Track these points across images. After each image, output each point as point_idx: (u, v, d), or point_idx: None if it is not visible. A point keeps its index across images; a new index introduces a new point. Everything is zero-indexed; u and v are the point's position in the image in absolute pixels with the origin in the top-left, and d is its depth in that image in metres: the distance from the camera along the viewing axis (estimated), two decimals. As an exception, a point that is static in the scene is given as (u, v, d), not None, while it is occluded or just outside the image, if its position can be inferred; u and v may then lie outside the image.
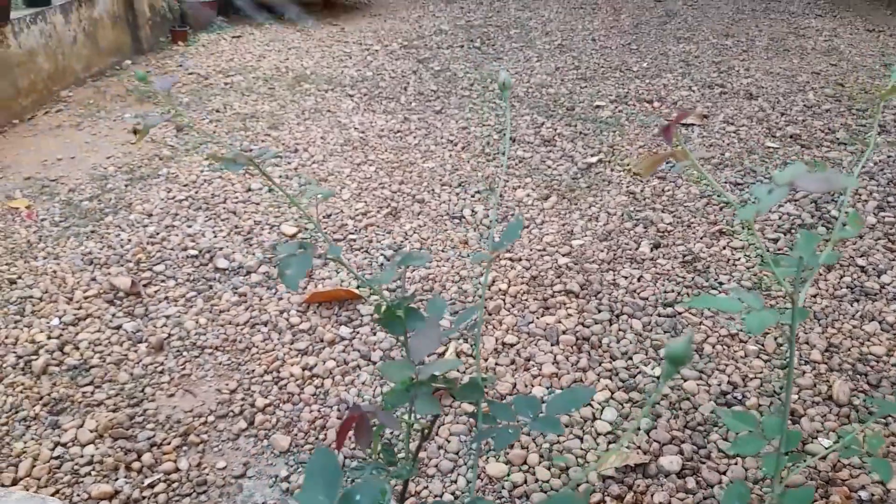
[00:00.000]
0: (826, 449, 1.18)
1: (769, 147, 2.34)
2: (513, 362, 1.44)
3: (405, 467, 0.59)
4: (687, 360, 0.39)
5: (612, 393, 1.35)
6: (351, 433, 0.53)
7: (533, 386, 1.38)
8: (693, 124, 2.55)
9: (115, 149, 2.42)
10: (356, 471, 0.60)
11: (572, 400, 0.50)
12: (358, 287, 1.66)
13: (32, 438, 1.24)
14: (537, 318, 1.57)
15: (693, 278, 1.67)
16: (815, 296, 1.59)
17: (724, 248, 1.79)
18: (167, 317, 1.56)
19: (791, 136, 2.41)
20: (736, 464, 1.18)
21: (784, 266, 0.53)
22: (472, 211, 2.01)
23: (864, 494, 1.12)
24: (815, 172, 0.40)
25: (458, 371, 1.42)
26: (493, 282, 1.69)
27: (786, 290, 0.46)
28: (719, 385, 1.35)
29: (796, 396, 1.32)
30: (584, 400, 0.49)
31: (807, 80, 2.95)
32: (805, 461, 1.04)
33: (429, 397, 0.51)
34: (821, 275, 1.66)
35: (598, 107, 2.76)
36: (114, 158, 2.35)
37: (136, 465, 1.20)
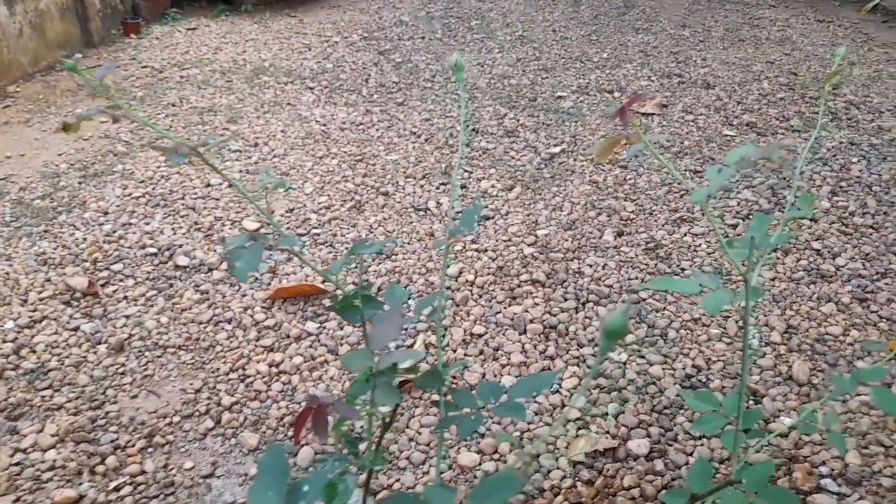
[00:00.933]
0: (788, 427, 1.22)
1: (726, 135, 2.39)
2: (481, 352, 1.44)
3: (368, 458, 0.59)
4: (623, 334, 0.39)
5: (580, 380, 1.36)
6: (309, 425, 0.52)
7: (502, 375, 1.39)
8: (653, 114, 2.59)
9: (66, 145, 2.35)
10: (319, 464, 0.59)
11: (535, 385, 0.50)
12: (323, 282, 1.65)
13: (-12, 446, 1.20)
14: (505, 307, 1.58)
15: (656, 265, 1.70)
16: (773, 279, 1.63)
17: (686, 234, 1.82)
18: (127, 317, 1.52)
19: (747, 124, 2.46)
20: (702, 445, 1.21)
21: (738, 248, 0.54)
22: (437, 203, 2.01)
23: (824, 469, 1.16)
24: (759, 148, 0.41)
25: (426, 362, 1.42)
26: (460, 273, 1.69)
27: (740, 270, 0.47)
28: (684, 369, 1.37)
29: (757, 377, 1.35)
30: (546, 385, 0.50)
31: (761, 69, 3.02)
32: (766, 438, 1.07)
33: (389, 387, 0.50)
34: (779, 258, 1.70)
35: (559, 97, 2.78)
36: (66, 155, 2.27)
37: (100, 468, 1.16)
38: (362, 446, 0.68)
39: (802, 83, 2.84)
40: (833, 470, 1.16)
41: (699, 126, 2.46)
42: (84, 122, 2.27)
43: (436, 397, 1.35)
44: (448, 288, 1.65)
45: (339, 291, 0.57)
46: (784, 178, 2.09)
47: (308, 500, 0.40)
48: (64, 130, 0.60)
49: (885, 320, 1.49)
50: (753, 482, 0.46)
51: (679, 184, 2.06)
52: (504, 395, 0.52)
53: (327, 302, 1.58)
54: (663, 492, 1.13)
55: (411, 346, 1.48)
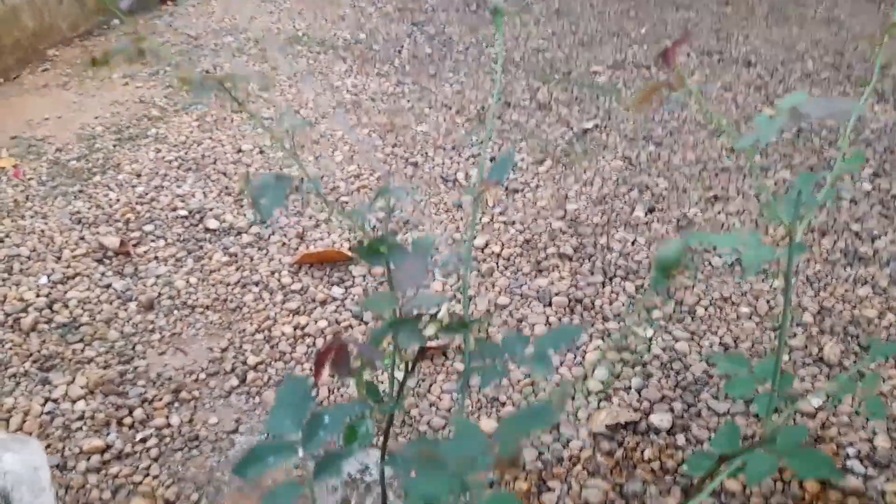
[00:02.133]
0: (816, 408, 1.19)
1: (767, 114, 2.32)
2: (505, 323, 1.43)
3: (389, 403, 0.59)
4: (678, 267, 0.37)
5: (604, 353, 1.35)
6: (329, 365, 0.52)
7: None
8: (690, 91, 2.53)
9: (102, 109, 2.38)
10: (340, 409, 0.60)
11: (563, 337, 0.49)
12: (350, 249, 1.65)
13: (22, 394, 1.24)
14: (530, 280, 1.56)
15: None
16: (808, 260, 1.59)
17: (719, 213, 1.78)
18: (157, 276, 1.55)
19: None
20: (725, 422, 1.19)
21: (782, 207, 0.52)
22: (467, 174, 1.99)
23: (851, 451, 1.14)
24: (818, 100, 0.39)
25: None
26: (487, 244, 1.68)
27: (785, 224, 0.45)
28: (711, 346, 1.35)
29: (787, 357, 1.32)
30: (573, 336, 0.49)
31: (805, 48, 2.92)
32: (796, 404, 1.04)
33: (412, 330, 0.50)
34: (814, 240, 1.66)
35: (594, 72, 2.73)
36: (101, 118, 2.31)
37: (127, 420, 1.19)
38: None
39: (848, 63, 2.74)
40: (860, 451, 1.13)
41: (738, 104, 2.40)
42: (121, 85, 2.27)
43: (459, 366, 1.35)
44: (474, 259, 1.64)
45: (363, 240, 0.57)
46: (826, 160, 2.02)
47: (329, 432, 0.40)
48: (93, 65, 0.60)
49: (923, 305, 1.45)
50: (785, 444, 0.45)
51: (720, 132, 2.01)
52: (530, 347, 0.51)
53: (354, 268, 1.58)
54: (684, 465, 1.12)
55: (434, 315, 1.48)
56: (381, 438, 0.67)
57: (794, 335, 1.37)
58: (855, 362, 1.30)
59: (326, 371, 0.48)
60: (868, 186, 1.86)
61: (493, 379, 0.50)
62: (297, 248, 1.65)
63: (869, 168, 1.95)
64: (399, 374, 0.66)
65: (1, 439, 0.92)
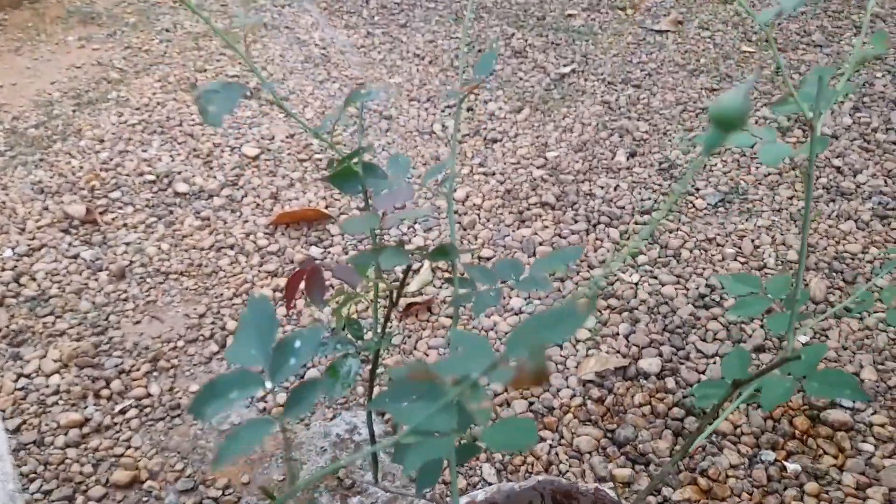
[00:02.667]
0: (803, 345, 1.19)
1: (745, 51, 2.28)
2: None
3: (374, 339, 0.56)
4: (742, 122, 0.31)
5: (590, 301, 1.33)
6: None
7: (510, 298, 1.36)
8: (668, 31, 2.47)
9: (59, 73, 2.27)
10: (321, 346, 0.56)
11: (559, 259, 0.46)
12: (326, 207, 1.60)
13: (-7, 371, 1.19)
14: (513, 231, 1.53)
15: (670, 185, 1.64)
16: (791, 197, 1.57)
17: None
18: (127, 244, 1.49)
19: (767, 40, 2.34)
20: (715, 363, 1.19)
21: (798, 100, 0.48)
22: (443, 126, 1.94)
23: (855, 381, 1.14)
24: None
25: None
26: (468, 196, 1.64)
27: (806, 115, 0.42)
28: (697, 288, 1.34)
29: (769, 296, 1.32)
30: (572, 258, 0.45)
31: (782, -18, 2.86)
32: (813, 317, 1.04)
33: (396, 250, 0.46)
34: (796, 177, 1.64)
35: (569, 15, 2.65)
36: (59, 83, 2.20)
37: (104, 392, 1.16)
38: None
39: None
40: (849, 386, 1.14)
41: (716, 43, 2.35)
42: (77, 48, 2.17)
43: (445, 321, 1.33)
44: (455, 212, 1.60)
45: (334, 157, 0.52)
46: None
47: (300, 358, 0.36)
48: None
49: (906, 238, 1.44)
50: (805, 364, 0.43)
51: (700, 71, 1.97)
52: (525, 272, 0.48)
53: (332, 227, 1.54)
54: (675, 409, 1.12)
55: (417, 270, 1.45)
56: (369, 379, 0.64)
57: (783, 272, 1.37)
58: (840, 298, 1.30)
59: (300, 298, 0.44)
60: (849, 121, 1.84)
61: (487, 305, 0.47)
62: (272, 209, 1.60)
63: (849, 102, 1.93)
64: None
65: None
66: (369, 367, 0.65)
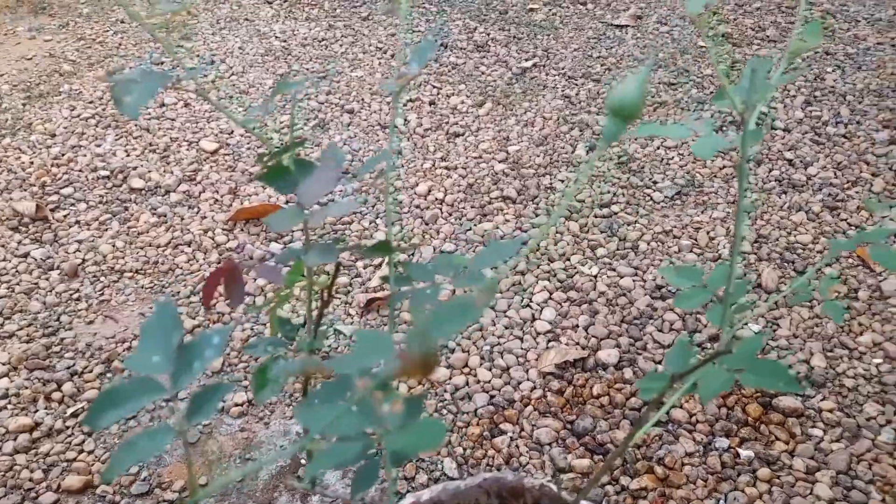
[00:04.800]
0: (755, 333, 1.22)
1: (701, 46, 2.32)
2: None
3: (306, 339, 0.55)
4: (638, 112, 0.32)
5: (551, 293, 1.34)
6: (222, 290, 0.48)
7: (472, 290, 1.36)
8: (627, 26, 2.50)
9: (8, 65, 2.19)
10: (250, 348, 0.56)
11: (498, 253, 0.46)
12: (287, 202, 1.58)
13: (-63, 375, 1.15)
14: (475, 225, 1.54)
15: (629, 178, 1.66)
16: (745, 190, 1.61)
17: (658, 147, 1.78)
18: (80, 241, 1.45)
19: (723, 35, 2.39)
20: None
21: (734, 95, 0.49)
22: (405, 120, 1.93)
23: (790, 373, 1.17)
24: None
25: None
26: (430, 191, 1.64)
27: (737, 109, 0.43)
28: (654, 280, 1.36)
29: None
30: (510, 252, 0.46)
31: (739, -22, 2.91)
32: (752, 309, 1.06)
33: (324, 246, 0.46)
34: (750, 169, 1.68)
35: (531, 10, 2.66)
36: (7, 76, 2.13)
37: (56, 395, 1.13)
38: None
39: (780, -7, 2.75)
40: (798, 373, 1.17)
41: (674, 38, 2.38)
42: (27, 39, 2.11)
43: (406, 315, 1.33)
44: (417, 206, 1.60)
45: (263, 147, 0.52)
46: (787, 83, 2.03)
47: (205, 361, 0.35)
48: None
49: (854, 228, 1.49)
50: (741, 356, 0.44)
51: (658, 66, 2.00)
52: (464, 268, 0.48)
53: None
54: (632, 399, 1.14)
55: (380, 265, 1.44)
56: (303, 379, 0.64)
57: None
58: (791, 287, 1.33)
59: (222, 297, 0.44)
60: (801, 114, 1.89)
61: (426, 301, 0.47)
62: (231, 205, 1.58)
63: (801, 96, 1.98)
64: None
65: None
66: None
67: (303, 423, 0.31)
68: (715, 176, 1.64)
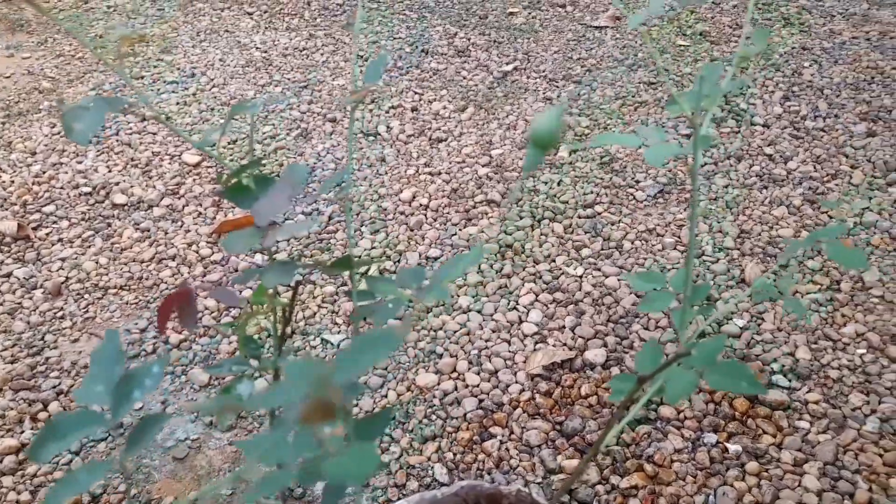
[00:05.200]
0: (741, 328, 1.23)
1: (680, 45, 2.34)
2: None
3: (272, 357, 0.55)
4: (554, 142, 0.33)
5: (537, 295, 1.35)
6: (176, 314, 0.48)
7: (459, 296, 1.36)
8: (606, 27, 2.52)
9: (-14, 84, 2.18)
10: (214, 368, 0.56)
11: (461, 264, 0.46)
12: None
13: (-79, 400, 1.14)
14: (460, 229, 1.54)
15: (611, 178, 1.67)
16: (726, 186, 1.62)
17: (640, 147, 1.79)
18: (63, 259, 1.44)
19: (701, 34, 2.41)
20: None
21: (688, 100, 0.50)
22: (388, 127, 1.93)
23: (775, 366, 1.18)
24: None
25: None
26: (414, 197, 1.64)
27: (687, 115, 0.44)
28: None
29: (711, 282, 1.36)
30: (473, 262, 0.46)
31: (715, -23, 2.94)
32: (715, 309, 1.07)
33: (283, 265, 0.46)
34: (731, 165, 1.69)
35: (511, 14, 2.68)
36: (-14, 95, 2.11)
37: (42, 415, 1.12)
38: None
39: (756, -10, 2.78)
40: (784, 366, 1.18)
41: (653, 37, 2.40)
42: (5, 57, 2.09)
43: (392, 323, 1.33)
44: (401, 213, 1.60)
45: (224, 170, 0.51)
46: (741, 88, 2.06)
47: (145, 389, 0.35)
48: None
49: (833, 220, 1.50)
50: (703, 357, 0.44)
51: (637, 66, 2.02)
52: (426, 280, 0.48)
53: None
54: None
55: (366, 272, 1.44)
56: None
57: (717, 260, 1.41)
58: (775, 283, 1.35)
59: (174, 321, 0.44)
60: (779, 110, 1.91)
61: (388, 317, 0.47)
62: (215, 217, 1.57)
63: (779, 91, 2.00)
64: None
65: None
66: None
67: (243, 450, 0.31)
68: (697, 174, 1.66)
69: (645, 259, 1.42)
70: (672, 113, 0.45)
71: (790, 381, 1.16)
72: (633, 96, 2.02)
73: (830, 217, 1.51)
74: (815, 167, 1.68)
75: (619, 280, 1.37)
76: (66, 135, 0.43)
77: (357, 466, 0.30)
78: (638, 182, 1.65)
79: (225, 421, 0.51)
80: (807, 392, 1.14)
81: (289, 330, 0.56)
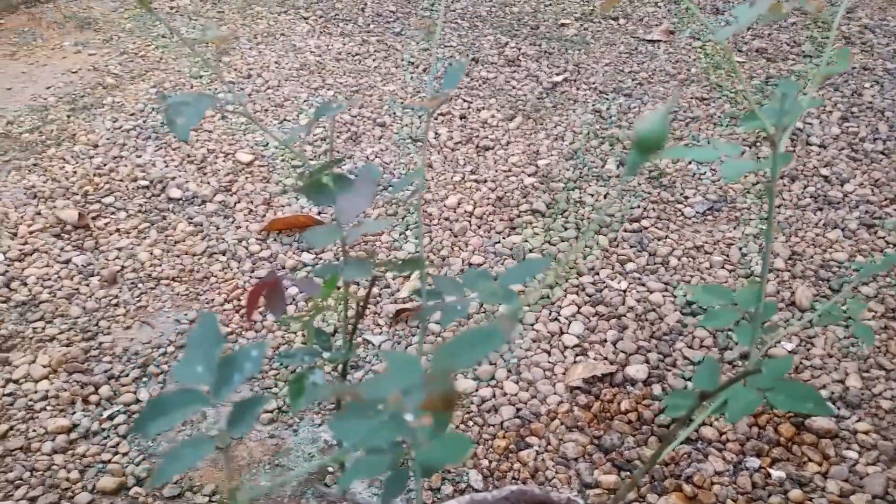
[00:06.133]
0: (789, 352, 1.20)
1: (735, 61, 2.30)
2: (479, 282, 1.42)
3: (341, 349, 0.56)
4: (660, 144, 0.33)
5: (579, 307, 1.34)
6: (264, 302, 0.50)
7: (501, 304, 1.37)
8: (659, 40, 2.49)
9: (55, 78, 2.28)
10: (286, 357, 0.57)
11: (527, 271, 0.47)
12: (319, 213, 1.61)
13: (-18, 376, 1.20)
14: (503, 238, 1.54)
15: (659, 193, 1.65)
16: (779, 206, 1.59)
17: (690, 163, 1.77)
18: (119, 249, 1.50)
19: (757, 50, 2.37)
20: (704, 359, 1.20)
21: (764, 117, 0.49)
22: (436, 133, 1.95)
23: (824, 393, 1.15)
24: None
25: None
26: (459, 203, 1.65)
27: (768, 131, 0.43)
28: (685, 296, 1.35)
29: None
30: (537, 270, 0.46)
31: (774, -7, 2.89)
32: (784, 328, 1.05)
33: (359, 262, 0.47)
34: (785, 185, 1.65)
35: (562, 25, 2.67)
36: (54, 88, 2.21)
37: (93, 398, 1.16)
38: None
39: (816, 7, 2.72)
40: (833, 393, 1.15)
41: (707, 53, 2.37)
42: (73, 53, 2.19)
43: (435, 326, 1.34)
44: (446, 218, 1.61)
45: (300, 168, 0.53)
46: (816, 106, 2.01)
47: (244, 373, 0.37)
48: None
49: (891, 246, 1.46)
50: (770, 376, 0.44)
51: (682, 111, 1.99)
52: (494, 282, 0.49)
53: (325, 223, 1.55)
54: (661, 416, 1.13)
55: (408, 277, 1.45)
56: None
57: (767, 281, 1.38)
58: (842, 307, 1.31)
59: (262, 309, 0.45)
60: (837, 130, 1.86)
61: (455, 317, 0.48)
62: (265, 215, 1.61)
63: (837, 112, 1.95)
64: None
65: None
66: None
67: (338, 436, 0.32)
68: (748, 192, 1.62)
69: (692, 277, 1.39)
70: (748, 127, 0.45)
71: (839, 408, 1.13)
72: (684, 111, 2.00)
73: (888, 242, 1.47)
74: (872, 191, 1.63)
75: (663, 296, 1.35)
76: (168, 128, 0.45)
77: (452, 451, 0.31)
78: (687, 198, 1.63)
79: (299, 406, 0.53)
80: (856, 421, 1.11)
81: (358, 325, 0.57)
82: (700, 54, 2.36)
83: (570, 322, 1.30)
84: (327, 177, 0.51)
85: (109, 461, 1.07)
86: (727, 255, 1.45)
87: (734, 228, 1.52)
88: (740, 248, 1.46)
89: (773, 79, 2.16)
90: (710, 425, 1.10)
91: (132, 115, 2.03)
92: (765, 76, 2.18)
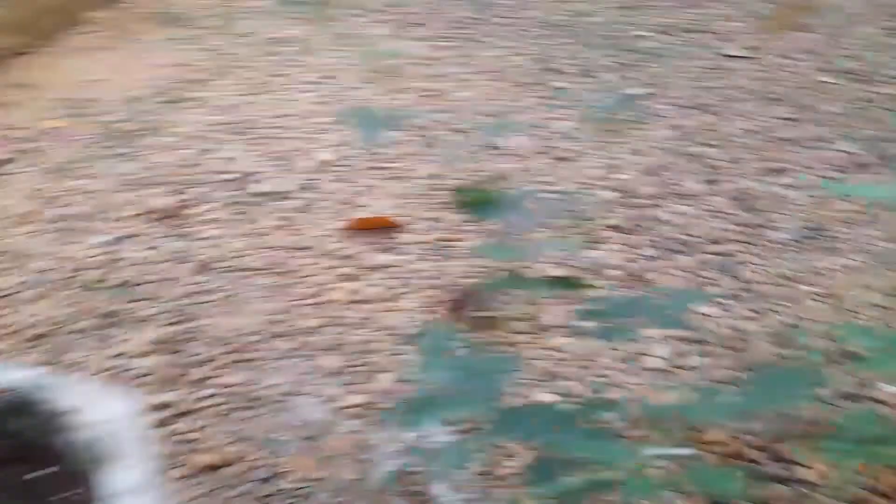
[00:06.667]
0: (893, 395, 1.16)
1: (823, 81, 2.24)
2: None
3: None
4: None
5: (661, 330, 1.32)
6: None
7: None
8: (741, 57, 2.45)
9: (146, 71, 2.37)
10: None
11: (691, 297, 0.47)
12: (397, 216, 1.64)
13: (87, 350, 1.26)
14: (580, 252, 1.54)
15: (747, 217, 1.62)
16: (876, 237, 1.54)
17: (778, 186, 1.73)
18: (208, 238, 1.55)
19: (847, 71, 2.30)
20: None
21: None
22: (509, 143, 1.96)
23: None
24: None
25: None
26: (536, 213, 1.66)
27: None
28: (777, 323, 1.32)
29: (864, 345, 1.29)
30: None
31: (867, 11, 2.80)
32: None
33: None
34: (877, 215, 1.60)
35: (639, 37, 2.65)
36: (145, 81, 2.30)
37: (187, 379, 1.21)
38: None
39: (909, 30, 2.62)
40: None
41: (794, 71, 2.31)
42: (160, 48, 2.27)
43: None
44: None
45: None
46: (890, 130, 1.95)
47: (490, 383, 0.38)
48: None
49: None
50: None
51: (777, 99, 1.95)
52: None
53: (402, 235, 1.57)
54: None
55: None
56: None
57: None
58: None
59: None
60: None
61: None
62: (346, 214, 1.65)
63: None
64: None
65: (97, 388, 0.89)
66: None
67: None
68: (841, 221, 1.58)
69: (778, 307, 1.36)
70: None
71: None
72: (770, 131, 1.95)
73: None
74: (973, 225, 1.56)
75: (750, 324, 1.32)
76: (359, 136, 0.47)
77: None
78: (773, 221, 1.59)
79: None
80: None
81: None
82: (786, 73, 2.31)
83: (650, 344, 1.29)
84: (491, 194, 0.52)
85: (201, 440, 1.11)
86: (816, 286, 1.41)
87: (826, 258, 1.48)
88: (832, 280, 1.42)
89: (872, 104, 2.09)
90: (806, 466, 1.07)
91: (218, 109, 2.10)
92: (854, 98, 2.12)
